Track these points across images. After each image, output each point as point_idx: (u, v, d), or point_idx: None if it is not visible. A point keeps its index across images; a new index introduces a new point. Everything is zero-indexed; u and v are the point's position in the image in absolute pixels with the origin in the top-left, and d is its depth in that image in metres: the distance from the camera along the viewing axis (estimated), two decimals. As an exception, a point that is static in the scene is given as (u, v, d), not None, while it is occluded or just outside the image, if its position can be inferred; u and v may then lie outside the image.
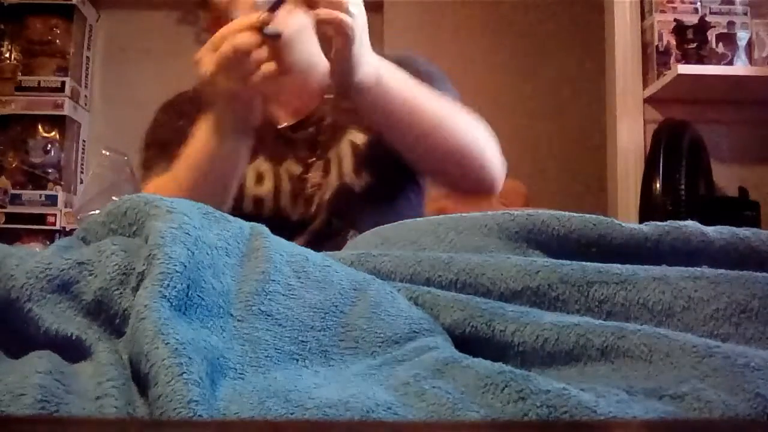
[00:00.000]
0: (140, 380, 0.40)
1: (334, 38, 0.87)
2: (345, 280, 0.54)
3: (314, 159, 1.12)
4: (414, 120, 0.98)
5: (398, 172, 1.13)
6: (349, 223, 1.09)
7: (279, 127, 1.14)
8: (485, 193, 1.11)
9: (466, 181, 1.08)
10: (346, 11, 0.85)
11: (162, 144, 1.13)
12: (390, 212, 1.12)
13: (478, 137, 1.05)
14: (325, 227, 1.09)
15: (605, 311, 0.52)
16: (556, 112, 2.82)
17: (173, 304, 0.44)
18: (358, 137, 1.12)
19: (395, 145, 1.03)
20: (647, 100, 2.39)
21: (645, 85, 2.39)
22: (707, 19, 2.26)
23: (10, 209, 2.64)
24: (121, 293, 0.47)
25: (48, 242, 2.61)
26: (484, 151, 1.05)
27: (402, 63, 1.10)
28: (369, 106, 0.97)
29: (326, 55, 0.91)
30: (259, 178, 1.12)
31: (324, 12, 0.85)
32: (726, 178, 2.32)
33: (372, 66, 0.92)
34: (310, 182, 1.11)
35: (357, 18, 0.87)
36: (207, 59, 0.88)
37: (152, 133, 1.19)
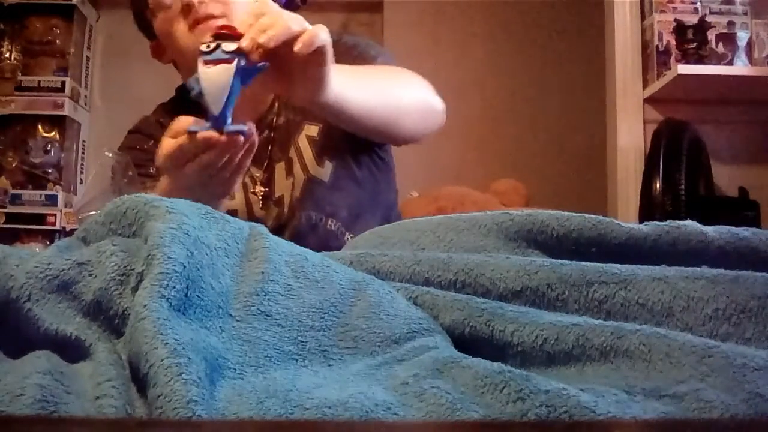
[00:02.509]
0: (139, 380, 0.40)
1: (310, 66, 0.82)
2: (344, 280, 0.54)
3: (276, 161, 1.13)
4: (364, 113, 0.98)
5: (358, 152, 1.16)
6: (326, 214, 1.11)
7: None
8: (438, 128, 1.14)
9: (419, 132, 1.11)
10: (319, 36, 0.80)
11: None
12: (361, 193, 1.15)
13: (418, 96, 1.08)
14: (304, 223, 1.11)
15: (604, 311, 0.52)
16: (556, 112, 2.82)
17: (172, 304, 0.44)
18: (312, 129, 1.14)
19: (351, 131, 1.07)
20: (647, 100, 2.39)
21: (645, 85, 2.39)
22: (707, 19, 2.26)
23: (10, 209, 2.63)
24: (120, 293, 0.47)
25: (48, 242, 2.61)
26: (426, 102, 1.09)
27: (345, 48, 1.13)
28: (325, 116, 0.99)
29: (286, 79, 0.84)
30: None
31: (304, 39, 0.78)
32: (726, 178, 2.32)
33: (332, 84, 0.87)
34: (277, 185, 1.13)
35: (328, 41, 0.81)
36: (174, 174, 0.83)
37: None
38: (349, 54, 1.13)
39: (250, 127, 0.82)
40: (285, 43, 0.78)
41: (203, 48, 0.78)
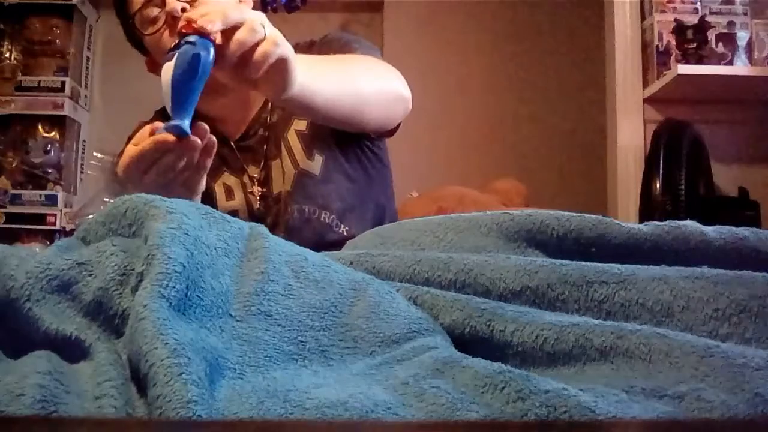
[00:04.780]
0: (139, 380, 0.40)
1: (271, 71, 0.79)
2: (344, 280, 0.54)
3: (272, 159, 1.14)
4: (329, 103, 0.97)
5: (347, 145, 1.16)
6: (318, 206, 1.12)
7: (234, 139, 1.16)
8: (404, 115, 1.13)
9: (386, 119, 1.11)
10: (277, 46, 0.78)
11: None
12: (352, 185, 1.15)
13: (383, 83, 1.08)
14: (297, 216, 1.11)
15: (604, 311, 0.52)
16: (556, 112, 2.82)
17: (172, 304, 0.44)
18: (301, 124, 1.14)
19: (318, 122, 1.07)
20: (647, 100, 2.39)
21: (645, 85, 2.39)
22: (707, 19, 2.25)
23: (10, 209, 2.63)
24: (120, 293, 0.47)
25: (48, 242, 2.61)
26: (391, 89, 1.08)
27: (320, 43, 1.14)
28: (291, 109, 1.01)
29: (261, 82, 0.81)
30: (229, 193, 1.15)
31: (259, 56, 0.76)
32: (726, 178, 2.31)
33: (297, 78, 0.85)
34: (275, 182, 1.13)
35: (286, 47, 0.80)
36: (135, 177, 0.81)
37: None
38: (330, 46, 1.13)
39: (203, 127, 0.80)
40: (246, 45, 0.76)
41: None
